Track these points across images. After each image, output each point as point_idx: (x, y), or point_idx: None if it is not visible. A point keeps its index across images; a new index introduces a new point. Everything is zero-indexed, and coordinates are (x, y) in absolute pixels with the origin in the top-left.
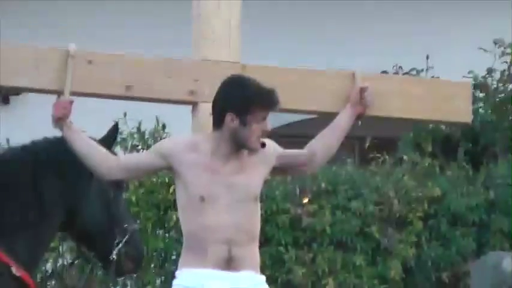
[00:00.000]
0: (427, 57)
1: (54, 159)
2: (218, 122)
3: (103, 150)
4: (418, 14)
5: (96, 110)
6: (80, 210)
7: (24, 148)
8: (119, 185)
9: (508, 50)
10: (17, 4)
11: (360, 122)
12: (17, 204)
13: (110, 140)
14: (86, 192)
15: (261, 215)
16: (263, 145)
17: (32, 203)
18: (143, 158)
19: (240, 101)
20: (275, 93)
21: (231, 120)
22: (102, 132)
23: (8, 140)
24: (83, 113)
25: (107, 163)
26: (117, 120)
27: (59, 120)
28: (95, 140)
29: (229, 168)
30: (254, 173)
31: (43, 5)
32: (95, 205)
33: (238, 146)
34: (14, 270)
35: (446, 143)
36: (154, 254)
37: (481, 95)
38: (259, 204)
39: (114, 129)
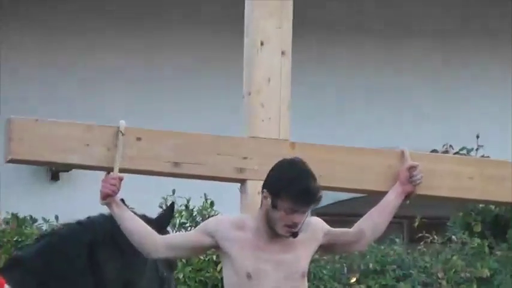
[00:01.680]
0: (477, 137)
1: (111, 237)
2: (261, 198)
3: (149, 228)
4: (468, 92)
5: (146, 187)
6: None
7: (81, 225)
8: (171, 266)
9: None
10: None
11: (408, 201)
12: None
13: (165, 219)
14: (141, 272)
15: None
16: (294, 235)
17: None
18: (190, 236)
19: (275, 182)
20: (314, 194)
21: (264, 197)
22: (151, 209)
23: (57, 217)
24: (131, 190)
25: (153, 241)
26: (173, 200)
27: (107, 197)
28: (145, 217)
29: (276, 246)
30: (301, 250)
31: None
32: (149, 285)
33: (270, 227)
34: None
35: (495, 223)
36: None
37: None
38: (306, 282)
39: (170, 209)
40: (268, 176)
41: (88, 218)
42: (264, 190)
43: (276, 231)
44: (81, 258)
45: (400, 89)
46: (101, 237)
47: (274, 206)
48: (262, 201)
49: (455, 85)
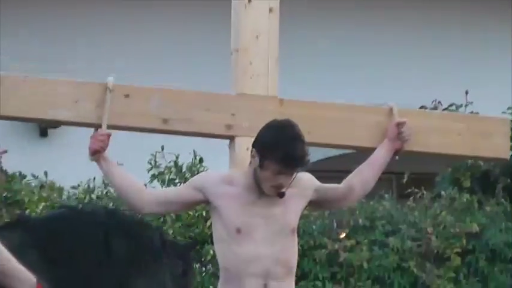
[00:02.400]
0: (466, 93)
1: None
2: (250, 155)
3: (139, 183)
4: (457, 49)
5: (134, 144)
6: None
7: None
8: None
9: None
10: (54, 34)
11: (397, 157)
12: None
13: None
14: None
15: (298, 249)
16: (280, 195)
17: None
18: (179, 191)
19: (263, 143)
20: (301, 157)
21: (253, 156)
22: (140, 166)
23: (46, 173)
24: (120, 147)
25: (143, 197)
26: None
27: (96, 153)
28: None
29: (266, 201)
30: (291, 205)
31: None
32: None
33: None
34: None
35: (484, 179)
36: None
37: None
38: (296, 237)
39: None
40: (258, 135)
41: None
42: (253, 149)
43: (263, 191)
44: (93, 236)
45: (388, 44)
46: (118, 226)
47: (261, 166)
48: (251, 159)
49: (444, 40)
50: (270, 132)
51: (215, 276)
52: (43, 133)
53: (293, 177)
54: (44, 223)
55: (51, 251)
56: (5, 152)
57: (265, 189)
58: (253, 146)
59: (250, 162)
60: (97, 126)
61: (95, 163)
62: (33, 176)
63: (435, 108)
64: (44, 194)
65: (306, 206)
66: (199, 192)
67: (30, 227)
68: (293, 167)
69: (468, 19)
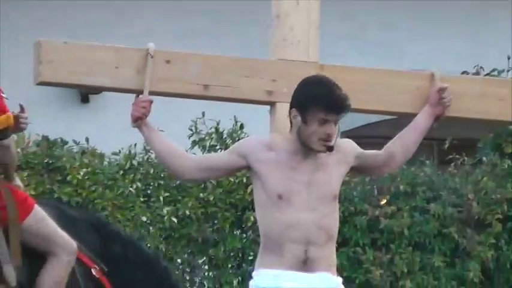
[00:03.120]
0: (509, 58)
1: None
2: (290, 119)
3: (181, 149)
4: (500, 14)
5: (175, 110)
6: None
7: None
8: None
9: None
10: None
11: (436, 124)
12: None
13: None
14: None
15: (339, 216)
16: (330, 149)
17: None
18: (221, 157)
19: (302, 98)
20: (343, 100)
21: (294, 117)
22: (181, 131)
23: (87, 139)
24: (161, 113)
25: (185, 163)
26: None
27: (138, 120)
28: None
29: (308, 166)
30: (333, 171)
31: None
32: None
33: (304, 145)
34: (94, 272)
35: None
36: (232, 254)
37: None
38: (337, 204)
39: None
40: (294, 95)
41: None
42: (293, 109)
43: (311, 148)
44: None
45: (431, 10)
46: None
47: (305, 121)
48: (292, 122)
49: (485, 6)
50: (307, 86)
51: (255, 242)
52: (84, 99)
53: (338, 128)
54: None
55: None
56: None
57: (314, 144)
58: (292, 106)
59: (291, 128)
60: (138, 93)
61: (136, 129)
62: (75, 142)
63: (477, 73)
64: (86, 160)
65: (348, 172)
66: (241, 158)
67: None
68: (337, 111)
69: None
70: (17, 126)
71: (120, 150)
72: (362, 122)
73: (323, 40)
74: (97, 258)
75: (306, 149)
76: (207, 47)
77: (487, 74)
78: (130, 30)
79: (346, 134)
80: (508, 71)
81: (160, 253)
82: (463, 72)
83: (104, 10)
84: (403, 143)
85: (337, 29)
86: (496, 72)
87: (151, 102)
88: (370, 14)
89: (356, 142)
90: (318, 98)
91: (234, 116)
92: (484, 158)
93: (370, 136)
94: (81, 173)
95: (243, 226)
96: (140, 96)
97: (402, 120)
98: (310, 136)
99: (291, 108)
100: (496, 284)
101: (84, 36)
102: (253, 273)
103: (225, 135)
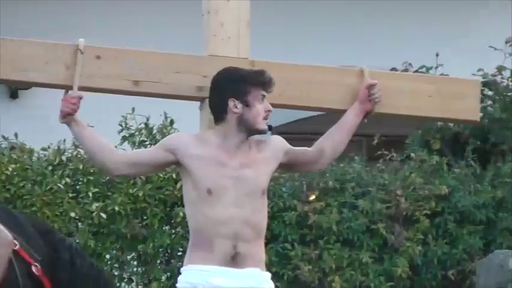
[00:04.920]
0: (437, 55)
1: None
2: (221, 113)
3: (110, 145)
4: (428, 11)
5: (105, 106)
6: None
7: None
8: None
9: None
10: (25, 3)
11: (366, 120)
12: None
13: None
14: None
15: (268, 211)
16: (270, 127)
17: None
18: (151, 152)
19: (238, 83)
20: (267, 73)
21: (234, 106)
22: (111, 128)
23: (16, 135)
24: (91, 109)
25: (114, 158)
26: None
27: (67, 115)
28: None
29: (237, 162)
30: (262, 167)
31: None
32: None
33: (248, 131)
34: (35, 269)
35: (454, 141)
36: (161, 250)
37: (491, 93)
38: (266, 200)
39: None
40: (222, 88)
41: None
42: (230, 100)
43: (258, 129)
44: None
45: (359, 6)
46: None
47: (247, 105)
48: (225, 115)
49: (415, 2)
50: (233, 74)
51: (185, 238)
52: (13, 95)
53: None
54: None
55: None
56: None
57: (261, 125)
58: (227, 98)
59: (219, 123)
60: (68, 88)
61: (65, 125)
62: (3, 137)
63: (406, 70)
64: (14, 156)
65: (277, 169)
66: (170, 154)
67: None
68: (271, 84)
69: None
70: None
71: (49, 146)
72: (292, 118)
73: (254, 36)
74: (43, 264)
75: (251, 134)
76: (138, 43)
77: (416, 71)
78: (62, 26)
79: (276, 130)
80: (436, 67)
81: (88, 249)
82: (392, 69)
83: (33, 5)
84: (332, 140)
85: (268, 25)
86: (424, 69)
87: (80, 98)
88: (301, 11)
89: (286, 138)
90: (252, 78)
91: (164, 112)
92: (413, 154)
93: (300, 132)
94: (10, 169)
95: (172, 222)
96: (70, 92)
97: (332, 116)
98: (256, 117)
99: (223, 101)
100: (424, 280)
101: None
102: (182, 269)
103: (154, 131)
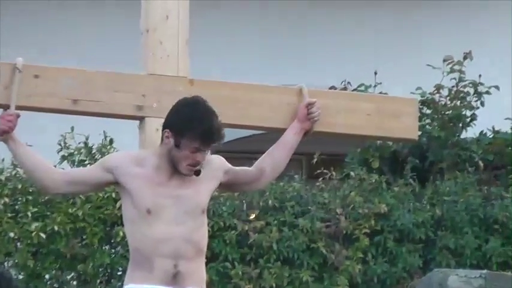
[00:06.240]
0: (375, 73)
1: None
2: (162, 136)
3: (48, 164)
4: (367, 29)
5: (44, 125)
6: None
7: None
8: None
9: (456, 67)
10: None
11: (306, 138)
12: None
13: None
14: None
15: (208, 231)
16: (197, 173)
17: None
18: (89, 171)
19: (178, 122)
20: (217, 132)
21: (166, 137)
22: (50, 147)
23: None
24: (29, 128)
25: (52, 176)
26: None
27: (4, 134)
28: None
29: (176, 181)
30: (201, 186)
31: None
32: None
33: (173, 166)
34: None
35: (393, 159)
36: (101, 269)
37: (429, 111)
38: (206, 218)
39: None
40: (169, 115)
41: None
42: (166, 130)
43: (179, 170)
44: None
45: (299, 25)
46: None
47: (177, 145)
48: (163, 140)
49: (355, 21)
50: (183, 110)
51: (125, 257)
52: None
53: (207, 152)
54: None
55: None
56: None
57: (182, 168)
58: (166, 126)
59: (162, 143)
60: (5, 107)
61: (3, 144)
62: None
63: (345, 88)
64: None
65: (217, 188)
66: (109, 173)
67: None
68: (211, 142)
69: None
70: None
71: None
72: (233, 137)
73: (193, 55)
74: None
75: (176, 170)
76: (77, 62)
77: (355, 89)
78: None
79: (216, 149)
80: (375, 86)
81: (28, 269)
82: (331, 87)
83: None
84: (272, 159)
85: (208, 44)
86: (363, 87)
87: (18, 116)
88: (241, 29)
89: (225, 157)
90: (193, 128)
91: (104, 131)
92: (352, 173)
93: (241, 151)
94: None
95: (112, 241)
96: (7, 110)
97: (273, 135)
98: (180, 161)
99: (164, 127)
100: None
101: None
102: None
103: (94, 150)
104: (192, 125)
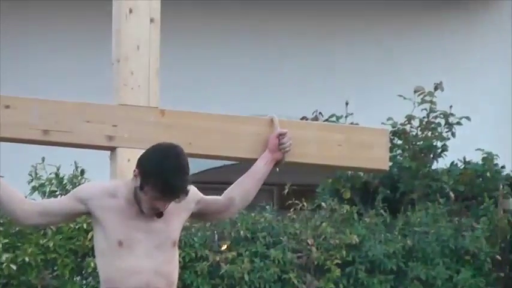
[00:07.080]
0: (347, 104)
1: None
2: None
3: (20, 194)
4: (338, 60)
5: (14, 156)
6: None
7: None
8: None
9: (427, 98)
10: None
11: (278, 169)
12: None
13: None
14: None
15: (179, 261)
16: (159, 215)
17: None
18: (61, 203)
19: (146, 167)
20: (181, 188)
21: (135, 176)
22: (21, 178)
23: None
24: (1, 158)
25: (24, 208)
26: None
27: None
28: None
29: (147, 214)
30: (172, 218)
31: None
32: None
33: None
34: None
35: (364, 190)
36: None
37: (400, 142)
38: (177, 250)
39: None
40: (143, 156)
41: None
42: (136, 169)
43: (141, 209)
44: None
45: (269, 56)
46: None
47: (141, 188)
48: (133, 176)
49: (327, 52)
50: (154, 157)
51: None
52: None
53: (171, 202)
54: None
55: None
56: None
57: (143, 209)
58: (137, 165)
59: (133, 177)
60: None
61: None
62: None
63: (316, 119)
64: None
65: (188, 218)
66: (81, 204)
67: None
68: (172, 197)
69: (351, 31)
70: None
71: None
72: (205, 167)
73: (164, 85)
74: None
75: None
76: (48, 92)
77: (326, 120)
78: None
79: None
80: (346, 116)
81: None
82: (302, 118)
83: None
84: (242, 189)
85: (179, 75)
86: (334, 118)
87: None
88: (212, 59)
89: (198, 187)
90: (157, 180)
91: (75, 161)
92: (323, 204)
93: (211, 182)
94: None
95: (83, 272)
96: None
97: (244, 165)
98: (142, 202)
99: (136, 164)
100: None
101: None
102: None
103: (65, 181)
104: (157, 177)
